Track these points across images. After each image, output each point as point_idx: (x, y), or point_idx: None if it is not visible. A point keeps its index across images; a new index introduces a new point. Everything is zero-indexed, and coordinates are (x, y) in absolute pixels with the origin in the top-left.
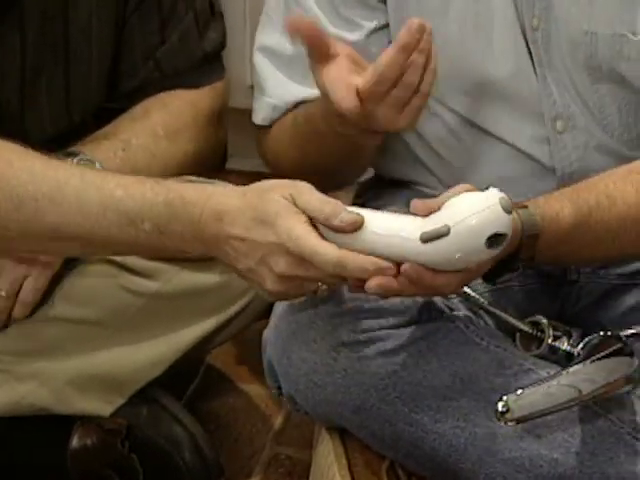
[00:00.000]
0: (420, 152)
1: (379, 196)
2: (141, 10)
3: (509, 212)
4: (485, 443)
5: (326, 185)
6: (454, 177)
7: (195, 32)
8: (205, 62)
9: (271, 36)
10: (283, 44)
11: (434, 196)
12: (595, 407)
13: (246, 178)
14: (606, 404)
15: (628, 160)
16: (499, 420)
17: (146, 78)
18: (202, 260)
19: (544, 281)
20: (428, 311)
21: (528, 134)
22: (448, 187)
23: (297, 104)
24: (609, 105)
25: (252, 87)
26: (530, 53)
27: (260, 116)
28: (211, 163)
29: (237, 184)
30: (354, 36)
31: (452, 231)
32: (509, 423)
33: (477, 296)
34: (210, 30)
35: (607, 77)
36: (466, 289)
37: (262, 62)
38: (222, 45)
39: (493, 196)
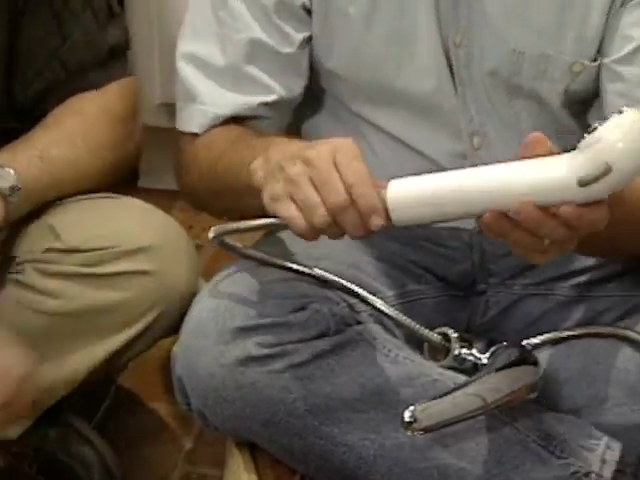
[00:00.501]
0: None
1: None
2: (33, 14)
3: None
4: (394, 454)
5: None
6: None
7: (95, 27)
8: (110, 57)
9: (199, 46)
10: (214, 55)
11: None
12: (501, 416)
13: (157, 196)
14: (512, 412)
15: None
16: (406, 430)
17: (52, 80)
18: (106, 276)
19: (453, 292)
20: (336, 324)
21: (446, 149)
22: None
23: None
24: (524, 122)
25: (161, 105)
26: (451, 69)
27: (196, 123)
28: (128, 168)
29: (147, 201)
30: (287, 48)
31: (614, 167)
32: (416, 433)
33: (385, 307)
34: (111, 26)
35: (526, 95)
36: (377, 302)
37: (190, 70)
38: (127, 43)
39: (632, 113)
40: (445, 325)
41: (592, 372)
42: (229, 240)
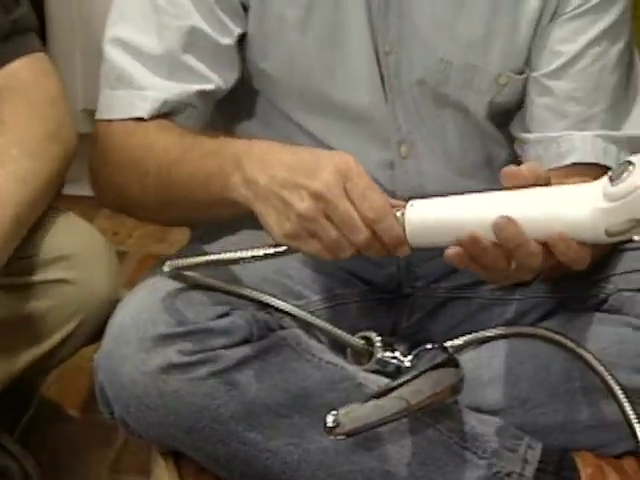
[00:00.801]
0: None
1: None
2: None
3: None
4: (318, 458)
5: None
6: None
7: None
8: (16, 32)
9: (130, 32)
10: (149, 43)
11: None
12: (424, 418)
13: (80, 203)
14: (434, 414)
15: (463, 189)
16: (329, 435)
17: None
18: (26, 285)
19: (379, 296)
20: (259, 329)
21: (375, 157)
22: None
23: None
24: (450, 132)
25: (84, 111)
26: (382, 77)
27: (137, 108)
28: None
29: (70, 209)
30: (226, 39)
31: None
32: (339, 437)
33: (304, 313)
34: (15, 6)
35: (452, 105)
36: (294, 309)
37: (122, 56)
38: (35, 24)
39: None
40: (372, 328)
41: (514, 373)
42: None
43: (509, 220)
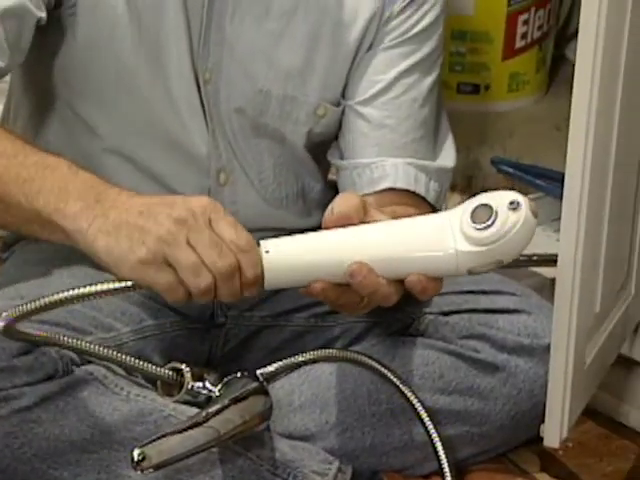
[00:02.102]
0: None
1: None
2: None
3: None
4: None
5: None
6: None
7: None
8: None
9: None
10: None
11: None
12: (235, 447)
13: None
14: (245, 443)
15: (275, 220)
16: (136, 469)
17: None
18: None
19: (192, 326)
20: (64, 365)
21: (193, 183)
22: None
23: None
24: (266, 161)
25: None
26: (203, 105)
27: None
28: None
29: None
30: (41, 12)
31: (505, 261)
32: (147, 471)
33: (99, 348)
34: None
35: (270, 135)
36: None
37: None
38: None
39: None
40: (187, 359)
41: (324, 398)
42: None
43: (363, 266)
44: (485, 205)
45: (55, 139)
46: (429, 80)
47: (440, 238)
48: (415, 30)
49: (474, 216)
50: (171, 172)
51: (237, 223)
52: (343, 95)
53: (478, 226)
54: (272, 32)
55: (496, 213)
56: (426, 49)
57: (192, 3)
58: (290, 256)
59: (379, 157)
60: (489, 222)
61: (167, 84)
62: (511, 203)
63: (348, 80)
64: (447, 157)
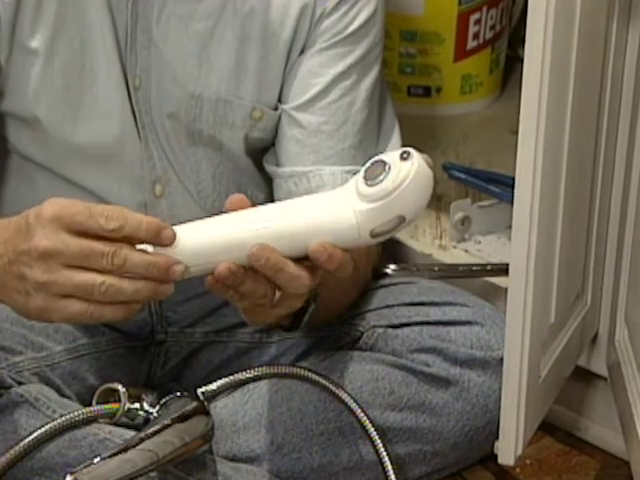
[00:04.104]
0: None
1: None
2: None
3: None
4: None
5: None
6: None
7: None
8: None
9: None
10: None
11: None
12: (175, 470)
13: None
14: (186, 466)
15: None
16: None
17: None
18: None
19: (131, 344)
20: None
21: (129, 198)
22: None
23: None
24: (204, 171)
25: None
26: (134, 113)
27: None
28: None
29: None
30: None
31: (407, 218)
32: None
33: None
34: None
35: (206, 142)
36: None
37: None
38: None
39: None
40: (125, 378)
41: (269, 417)
42: None
43: (264, 248)
44: (378, 161)
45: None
46: (368, 81)
47: (337, 204)
48: (351, 28)
49: (367, 174)
50: (104, 186)
51: (94, 206)
52: (280, 99)
53: (371, 182)
54: (200, 33)
55: (388, 167)
56: (363, 49)
57: (116, 6)
58: (194, 239)
59: (316, 165)
60: (382, 176)
61: (94, 94)
62: (402, 154)
63: (283, 83)
64: None
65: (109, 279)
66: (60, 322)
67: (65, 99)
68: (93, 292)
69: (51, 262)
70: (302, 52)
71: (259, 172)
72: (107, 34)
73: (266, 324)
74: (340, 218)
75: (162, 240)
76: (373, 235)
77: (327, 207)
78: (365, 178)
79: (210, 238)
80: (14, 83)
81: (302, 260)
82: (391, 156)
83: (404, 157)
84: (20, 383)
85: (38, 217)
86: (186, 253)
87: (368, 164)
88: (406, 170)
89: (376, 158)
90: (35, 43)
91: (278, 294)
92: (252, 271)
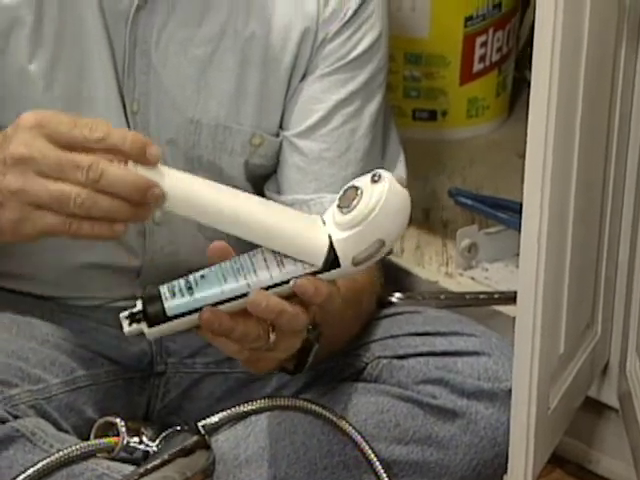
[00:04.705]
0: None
1: None
2: None
3: None
4: None
5: None
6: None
7: None
8: None
9: None
10: None
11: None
12: None
13: None
14: None
15: None
16: None
17: None
18: None
19: (130, 375)
20: None
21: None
22: None
23: None
24: None
25: None
26: None
27: None
28: None
29: None
30: None
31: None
32: None
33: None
34: None
35: (206, 168)
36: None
37: None
38: None
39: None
40: (123, 411)
41: (272, 451)
42: None
43: (260, 293)
44: (350, 188)
45: None
46: (372, 107)
47: (316, 239)
48: (354, 54)
49: (341, 202)
50: None
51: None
52: (281, 125)
53: (346, 209)
54: (199, 58)
55: (361, 191)
56: (366, 74)
57: (114, 29)
58: (177, 175)
59: (317, 193)
60: (355, 202)
61: (93, 117)
62: (373, 177)
63: (284, 109)
64: None
65: (84, 192)
66: (37, 236)
67: None
68: (69, 204)
69: (26, 168)
70: (304, 77)
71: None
72: (105, 58)
73: (269, 371)
74: (320, 252)
75: (147, 158)
76: (355, 263)
77: (306, 247)
78: (339, 206)
79: (194, 184)
80: (10, 105)
81: (292, 297)
82: (362, 180)
83: (375, 180)
84: (16, 417)
85: (17, 125)
86: (167, 183)
87: (341, 192)
88: (378, 192)
89: (348, 185)
90: (34, 67)
91: (273, 336)
92: (242, 314)
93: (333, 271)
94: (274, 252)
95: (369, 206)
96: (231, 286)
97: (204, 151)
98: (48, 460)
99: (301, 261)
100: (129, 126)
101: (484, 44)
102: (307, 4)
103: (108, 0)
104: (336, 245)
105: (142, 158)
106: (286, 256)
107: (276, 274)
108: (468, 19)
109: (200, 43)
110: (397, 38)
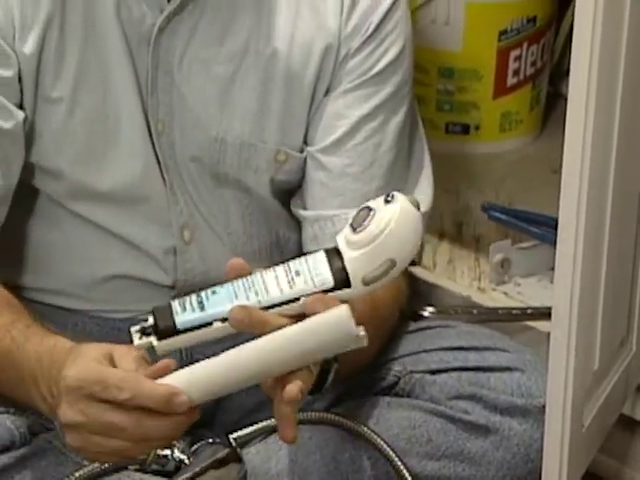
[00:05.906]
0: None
1: None
2: None
3: None
4: None
5: None
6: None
7: None
8: None
9: None
10: None
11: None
12: None
13: None
14: None
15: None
16: None
17: None
18: None
19: None
20: (21, 436)
21: (157, 244)
22: None
23: None
24: (233, 212)
25: None
26: (158, 159)
27: None
28: None
29: None
30: (9, 124)
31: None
32: None
33: None
34: None
35: (233, 185)
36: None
37: None
38: None
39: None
40: None
41: (303, 465)
42: None
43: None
44: (364, 208)
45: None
46: (396, 120)
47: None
48: (377, 68)
49: (354, 222)
50: (133, 233)
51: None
52: (305, 141)
53: (358, 229)
54: (222, 77)
55: (374, 212)
56: (390, 88)
57: (137, 50)
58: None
59: (342, 209)
60: (367, 222)
61: (119, 141)
62: (386, 198)
63: (308, 125)
64: (420, 202)
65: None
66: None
67: (88, 148)
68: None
69: (80, 432)
70: (327, 93)
71: (288, 213)
72: (128, 80)
73: None
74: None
75: (174, 409)
76: (365, 282)
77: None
78: (352, 226)
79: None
80: (38, 134)
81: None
82: (376, 202)
83: (388, 200)
84: (49, 429)
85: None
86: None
87: (355, 212)
88: (390, 212)
89: (362, 205)
90: (57, 93)
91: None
92: None
93: (344, 290)
94: (286, 270)
95: (380, 226)
96: (242, 302)
97: (229, 169)
98: (80, 472)
99: (312, 279)
100: (154, 146)
101: (518, 58)
102: (329, 20)
103: (130, 23)
104: (347, 263)
105: (170, 409)
106: (297, 274)
107: (287, 291)
108: (502, 33)
109: (222, 62)
110: (431, 51)
